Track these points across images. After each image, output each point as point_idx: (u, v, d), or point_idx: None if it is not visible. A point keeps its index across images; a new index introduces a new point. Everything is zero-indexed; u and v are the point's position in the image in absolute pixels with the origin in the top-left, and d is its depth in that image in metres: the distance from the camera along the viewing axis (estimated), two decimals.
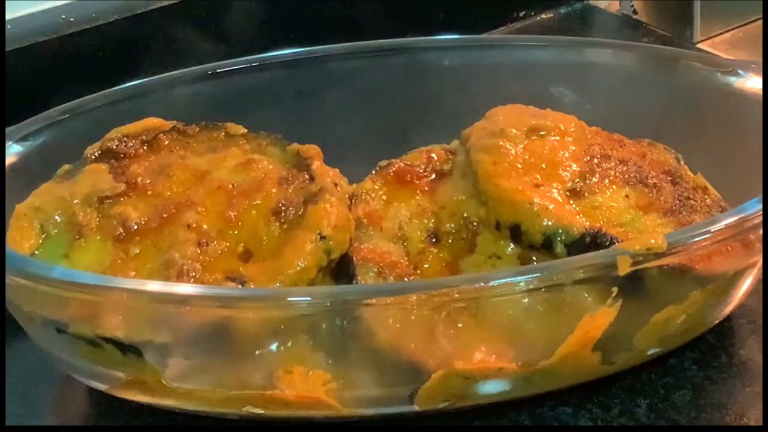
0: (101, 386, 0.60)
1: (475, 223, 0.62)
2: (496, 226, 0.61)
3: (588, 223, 0.59)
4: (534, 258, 0.60)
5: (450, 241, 0.62)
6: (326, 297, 0.54)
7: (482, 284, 0.54)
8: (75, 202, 0.62)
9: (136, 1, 0.86)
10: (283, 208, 0.60)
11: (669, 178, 0.65)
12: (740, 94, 0.69)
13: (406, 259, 0.61)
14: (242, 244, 0.59)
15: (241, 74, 0.76)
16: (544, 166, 0.63)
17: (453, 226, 0.62)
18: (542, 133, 0.65)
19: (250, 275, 0.57)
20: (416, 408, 0.57)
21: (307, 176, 0.63)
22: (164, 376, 0.56)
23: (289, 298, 0.54)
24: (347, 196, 0.64)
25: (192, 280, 0.57)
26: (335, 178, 0.63)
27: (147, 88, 0.74)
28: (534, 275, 0.54)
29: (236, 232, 0.60)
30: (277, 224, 0.60)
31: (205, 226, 0.60)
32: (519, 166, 0.62)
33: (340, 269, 0.60)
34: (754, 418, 0.58)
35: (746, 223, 0.56)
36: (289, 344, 0.55)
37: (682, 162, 0.67)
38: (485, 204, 0.61)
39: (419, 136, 0.71)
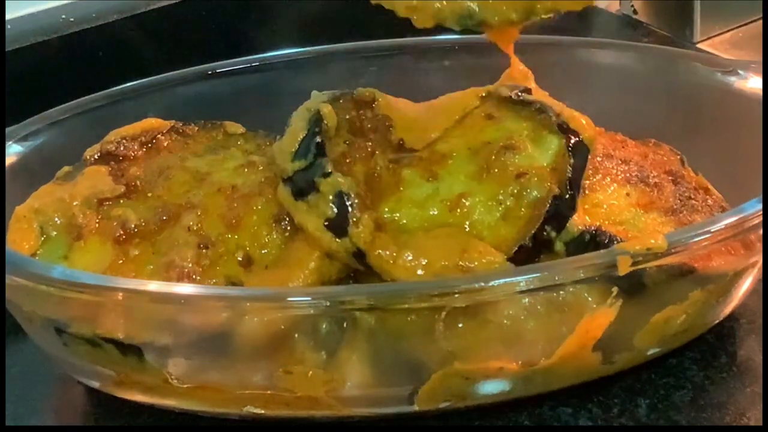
0: (101, 386, 0.60)
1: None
2: None
3: (588, 221, 0.59)
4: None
5: None
6: (326, 297, 0.54)
7: (482, 284, 0.54)
8: (75, 203, 0.62)
9: (136, 1, 0.86)
10: (284, 214, 0.60)
11: (670, 177, 0.65)
12: (740, 94, 0.69)
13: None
14: (243, 250, 0.59)
15: (241, 74, 0.76)
16: None
17: None
18: None
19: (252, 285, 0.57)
20: (416, 408, 0.57)
21: None
22: (168, 375, 0.56)
23: (289, 298, 0.54)
24: None
25: (192, 283, 0.57)
26: None
27: (147, 88, 0.74)
28: (534, 275, 0.54)
29: (236, 236, 0.60)
30: (278, 230, 0.60)
31: (205, 229, 0.60)
32: None
33: None
34: (754, 418, 0.58)
35: (746, 223, 0.56)
36: (289, 344, 0.55)
37: (686, 164, 0.67)
38: None
39: None
